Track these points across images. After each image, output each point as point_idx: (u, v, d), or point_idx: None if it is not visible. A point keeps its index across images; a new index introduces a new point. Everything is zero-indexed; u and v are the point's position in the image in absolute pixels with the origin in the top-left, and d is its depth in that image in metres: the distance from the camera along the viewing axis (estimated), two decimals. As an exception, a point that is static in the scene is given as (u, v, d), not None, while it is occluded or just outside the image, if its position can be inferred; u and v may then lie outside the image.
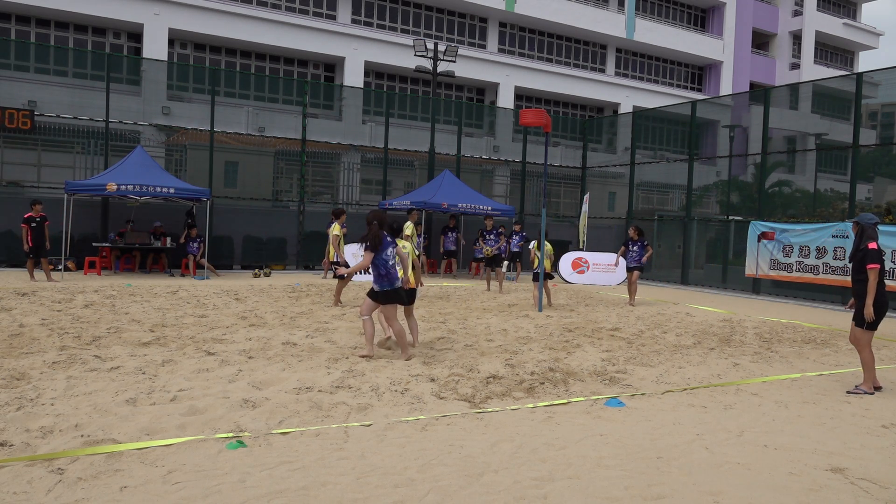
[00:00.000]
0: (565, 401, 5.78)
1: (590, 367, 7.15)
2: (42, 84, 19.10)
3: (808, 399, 6.27)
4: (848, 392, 6.53)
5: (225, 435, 4.51)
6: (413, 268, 7.82)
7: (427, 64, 24.91)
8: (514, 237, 18.97)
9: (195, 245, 16.67)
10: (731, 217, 18.99)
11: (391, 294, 7.12)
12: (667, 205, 25.55)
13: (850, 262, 6.78)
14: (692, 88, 37.03)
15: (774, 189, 21.32)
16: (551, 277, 12.69)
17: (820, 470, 4.34)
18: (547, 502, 3.67)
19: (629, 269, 13.79)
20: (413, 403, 5.48)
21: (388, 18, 29.05)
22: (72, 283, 13.70)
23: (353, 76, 27.15)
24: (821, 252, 15.05)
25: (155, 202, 17.39)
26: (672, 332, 9.96)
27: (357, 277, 16.16)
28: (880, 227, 14.06)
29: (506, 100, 30.43)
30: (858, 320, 6.49)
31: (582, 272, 19.35)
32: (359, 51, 27.37)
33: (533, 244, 12.66)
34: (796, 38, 41.12)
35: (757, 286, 17.18)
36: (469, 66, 29.06)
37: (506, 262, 19.13)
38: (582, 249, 20.74)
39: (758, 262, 16.49)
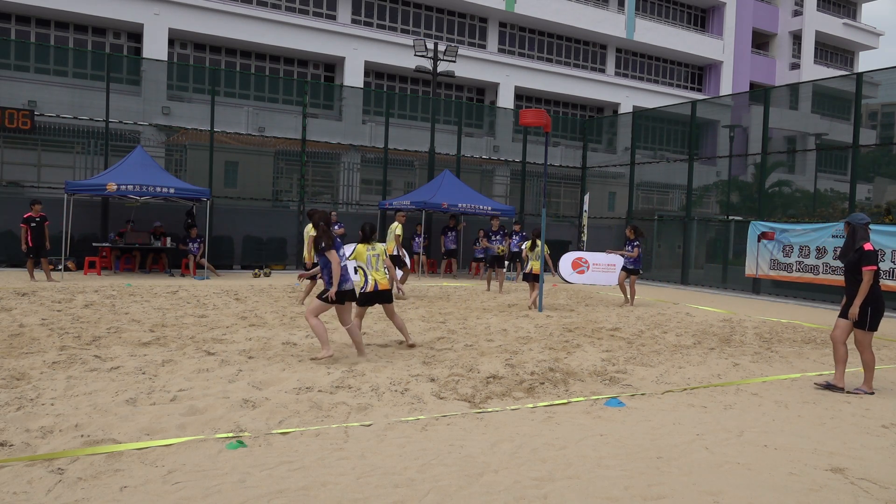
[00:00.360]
0: (565, 401, 5.78)
1: (590, 367, 7.15)
2: (42, 84, 19.10)
3: (808, 399, 6.27)
4: (848, 392, 6.52)
5: (225, 435, 4.50)
6: (400, 266, 7.85)
7: (427, 64, 24.91)
8: (514, 237, 18.96)
9: (195, 245, 16.67)
10: (731, 217, 18.99)
11: (342, 294, 6.93)
12: (667, 205, 25.54)
13: (840, 262, 6.72)
14: (692, 88, 37.02)
15: (774, 189, 21.32)
16: (537, 279, 12.40)
17: (820, 470, 4.34)
18: (547, 502, 3.67)
19: (623, 270, 13.74)
20: (413, 403, 5.48)
21: (388, 18, 29.05)
22: (72, 283, 13.70)
23: (353, 76, 27.15)
24: (821, 252, 15.05)
25: (155, 202, 17.39)
26: (672, 332, 9.96)
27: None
28: (881, 228, 14.08)
29: (506, 100, 30.43)
30: (860, 322, 6.44)
31: (582, 272, 19.35)
32: (359, 51, 27.37)
33: (525, 245, 12.58)
34: (796, 38, 41.12)
35: (757, 286, 17.18)
36: (469, 66, 29.06)
37: (506, 262, 19.16)
38: (582, 249, 20.72)
39: (758, 262, 16.49)
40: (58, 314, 9.34)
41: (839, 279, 14.54)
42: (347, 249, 7.43)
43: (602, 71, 34.16)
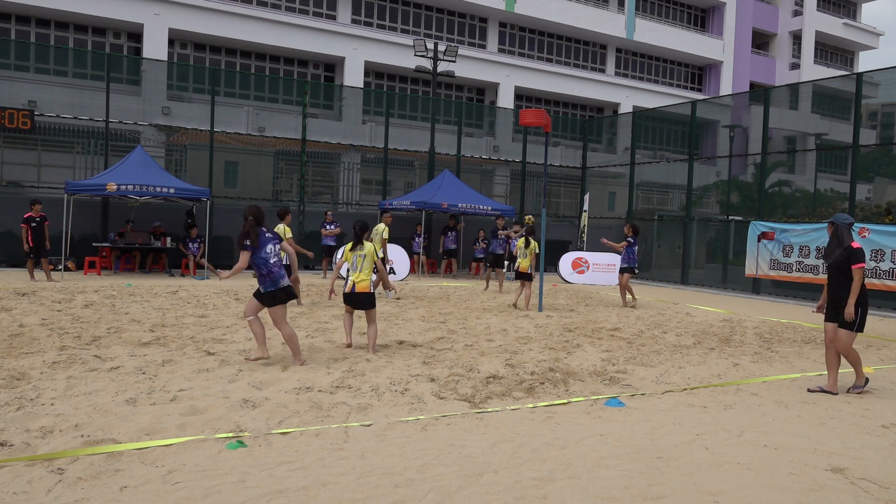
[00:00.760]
0: (565, 401, 5.78)
1: (590, 367, 7.15)
2: (42, 84, 19.10)
3: (808, 399, 6.27)
4: (848, 391, 6.52)
5: (225, 435, 4.50)
6: (376, 270, 7.72)
7: (427, 64, 24.91)
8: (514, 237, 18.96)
9: (195, 245, 16.67)
10: (731, 217, 18.99)
11: (275, 295, 6.56)
12: (667, 205, 25.55)
13: (825, 262, 6.59)
14: (692, 88, 37.03)
15: (774, 189, 21.32)
16: (528, 278, 12.22)
17: (820, 470, 4.34)
18: (547, 502, 3.67)
19: (619, 270, 13.64)
20: (413, 403, 5.48)
21: (388, 18, 29.05)
22: (72, 283, 13.70)
23: (353, 76, 27.15)
24: (821, 252, 15.05)
25: (155, 202, 17.39)
26: (672, 332, 9.96)
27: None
28: (881, 228, 14.08)
29: (506, 100, 30.43)
30: (845, 323, 6.31)
31: (582, 272, 19.35)
32: (359, 51, 27.37)
33: (519, 241, 12.42)
34: (796, 38, 41.13)
35: (757, 286, 17.18)
36: (469, 66, 29.06)
37: (507, 262, 19.15)
38: (582, 249, 20.73)
39: (758, 262, 16.49)
40: (58, 314, 9.34)
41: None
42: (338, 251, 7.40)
43: (602, 71, 34.16)
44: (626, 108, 32.75)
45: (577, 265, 19.44)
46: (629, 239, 13.19)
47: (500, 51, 31.33)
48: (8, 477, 3.70)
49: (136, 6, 23.63)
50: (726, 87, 36.48)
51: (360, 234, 7.54)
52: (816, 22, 40.79)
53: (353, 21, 28.14)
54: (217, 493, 3.60)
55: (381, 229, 13.03)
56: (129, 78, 20.54)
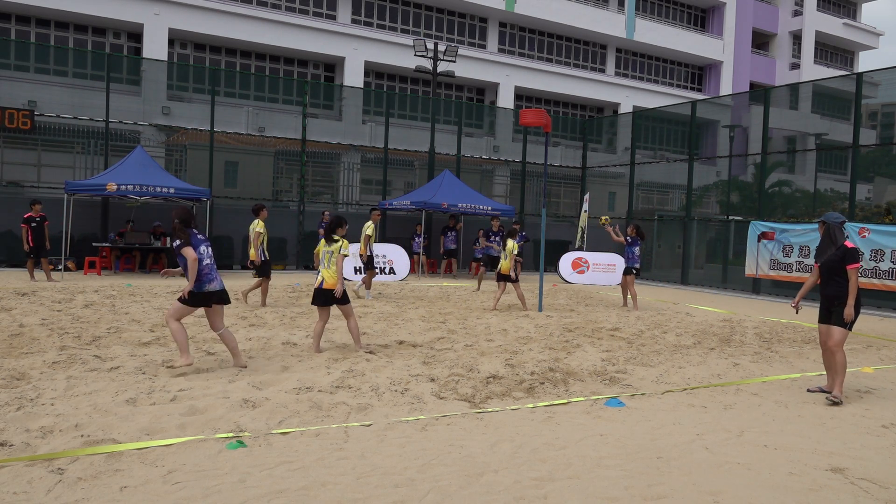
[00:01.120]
0: (565, 401, 5.78)
1: (590, 367, 7.15)
2: (42, 84, 19.10)
3: (808, 399, 6.26)
4: (827, 398, 6.16)
5: (225, 435, 4.50)
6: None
7: (427, 64, 24.91)
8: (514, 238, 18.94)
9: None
10: (731, 217, 18.99)
11: (202, 297, 6.30)
12: (667, 205, 25.55)
13: (816, 261, 6.44)
14: (692, 88, 37.03)
15: (774, 189, 21.33)
16: (509, 279, 11.98)
17: (820, 470, 4.34)
18: (547, 502, 3.67)
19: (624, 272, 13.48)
20: (413, 403, 5.48)
21: (388, 18, 29.05)
22: (72, 283, 13.70)
23: (353, 76, 27.15)
24: (821, 252, 15.04)
25: (155, 202, 17.40)
26: (672, 332, 9.96)
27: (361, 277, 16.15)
28: (881, 228, 14.08)
29: (506, 100, 30.43)
30: (840, 321, 6.18)
31: (582, 272, 19.35)
32: (359, 51, 27.37)
33: (506, 241, 12.10)
34: (796, 38, 41.13)
35: (757, 286, 17.18)
36: (469, 66, 29.06)
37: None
38: (581, 249, 20.73)
39: (758, 262, 16.49)
40: (58, 314, 9.34)
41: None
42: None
43: (602, 71, 34.16)
44: (626, 108, 32.76)
45: (577, 265, 19.43)
46: (628, 238, 13.08)
47: (500, 51, 31.33)
48: (8, 477, 3.70)
49: (136, 6, 23.63)
50: (726, 87, 36.49)
51: (329, 229, 7.39)
52: (816, 22, 40.79)
53: (353, 21, 28.14)
54: (217, 493, 3.60)
55: (366, 227, 12.77)
56: (129, 78, 20.54)
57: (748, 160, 20.51)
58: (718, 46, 36.38)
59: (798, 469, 4.34)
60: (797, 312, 6.93)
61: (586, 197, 21.76)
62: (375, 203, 20.97)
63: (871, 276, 13.95)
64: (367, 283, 13.07)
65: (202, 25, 24.71)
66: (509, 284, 12.76)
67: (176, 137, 19.55)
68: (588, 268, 19.40)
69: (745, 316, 12.60)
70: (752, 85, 37.84)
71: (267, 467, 3.99)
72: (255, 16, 25.46)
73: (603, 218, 13.84)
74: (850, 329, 6.24)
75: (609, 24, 33.06)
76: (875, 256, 13.98)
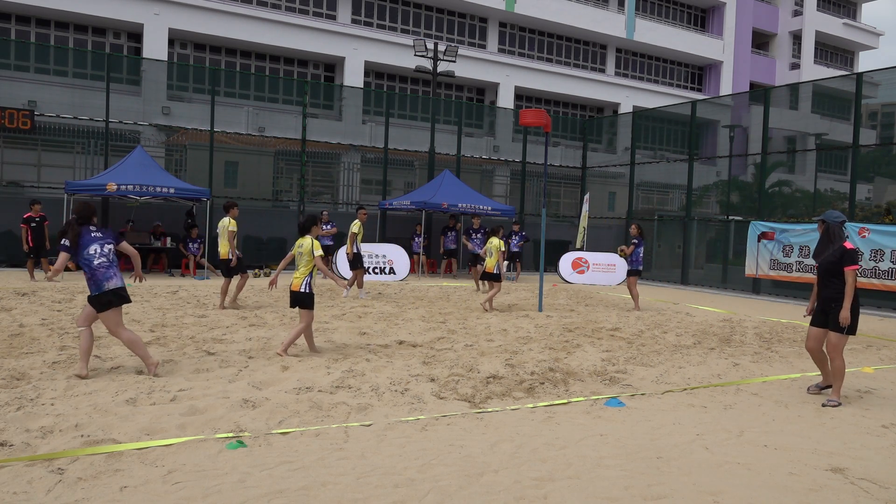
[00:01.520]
0: (565, 401, 5.78)
1: (590, 367, 7.14)
2: (42, 84, 19.10)
3: (808, 399, 6.26)
4: (823, 405, 6.05)
5: (225, 435, 4.50)
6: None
7: (427, 64, 24.91)
8: (513, 237, 18.97)
9: (195, 245, 16.67)
10: (731, 217, 18.99)
11: (100, 299, 5.95)
12: (667, 205, 25.55)
13: (815, 261, 6.26)
14: (692, 88, 37.03)
15: (774, 189, 21.32)
16: (496, 278, 11.83)
17: (820, 470, 4.34)
18: (547, 502, 3.67)
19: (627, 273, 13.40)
20: (413, 403, 5.48)
21: (388, 18, 29.05)
22: (72, 283, 13.70)
23: (353, 76, 27.15)
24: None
25: (155, 202, 17.39)
26: (672, 332, 9.96)
27: (370, 277, 16.13)
28: (881, 228, 14.08)
29: (506, 100, 30.43)
30: (836, 325, 6.02)
31: (582, 272, 19.35)
32: (359, 51, 27.37)
33: (492, 241, 11.83)
34: (796, 38, 41.13)
35: (757, 286, 17.18)
36: (469, 66, 29.06)
37: (506, 263, 19.14)
38: (582, 249, 20.73)
39: (758, 262, 16.49)
40: (58, 314, 9.35)
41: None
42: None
43: (602, 71, 34.16)
44: (626, 108, 32.76)
45: (577, 265, 19.43)
46: (635, 241, 12.90)
47: (500, 51, 31.33)
48: (8, 477, 3.70)
49: (136, 6, 23.63)
50: (726, 87, 36.48)
51: (301, 228, 7.31)
52: (816, 22, 40.79)
53: (353, 21, 28.14)
54: (217, 493, 3.60)
55: (353, 225, 12.68)
56: (129, 78, 20.53)
57: (748, 160, 20.51)
58: (718, 46, 36.39)
59: (798, 469, 4.34)
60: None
61: (586, 197, 21.76)
62: (376, 203, 20.97)
63: (872, 276, 13.95)
64: (360, 283, 12.97)
65: (202, 25, 24.71)
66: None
67: (176, 137, 19.55)
68: (588, 268, 19.40)
69: (745, 316, 12.60)
70: (752, 85, 37.84)
71: (267, 467, 3.99)
72: (255, 16, 25.46)
73: (620, 250, 13.57)
74: (851, 334, 6.01)
75: (609, 24, 33.06)
76: (875, 256, 13.98)
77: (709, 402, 6.01)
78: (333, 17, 27.83)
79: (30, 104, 17.62)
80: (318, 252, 7.26)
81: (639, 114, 22.66)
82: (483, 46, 30.95)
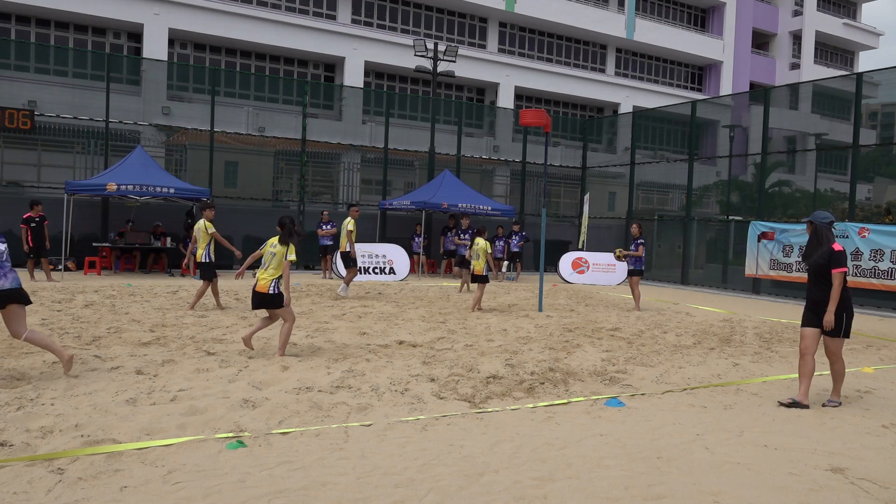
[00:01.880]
0: (565, 401, 5.78)
1: (590, 367, 7.14)
2: (42, 84, 19.10)
3: (808, 399, 6.25)
4: (823, 405, 6.03)
5: (225, 435, 4.50)
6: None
7: (427, 64, 24.91)
8: (513, 237, 18.98)
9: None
10: (731, 217, 19.00)
11: (4, 298, 5.63)
12: (667, 205, 25.54)
13: (804, 263, 6.13)
14: (692, 88, 37.02)
15: (774, 189, 21.32)
16: (485, 280, 11.71)
17: (820, 470, 4.34)
18: (547, 502, 3.67)
19: (628, 273, 13.36)
20: (413, 403, 5.48)
21: (388, 18, 29.05)
22: (72, 283, 13.70)
23: (353, 76, 27.15)
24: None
25: (155, 202, 17.39)
26: (672, 332, 9.96)
27: (362, 277, 16.16)
28: (881, 228, 14.07)
29: (506, 100, 30.43)
30: (834, 330, 5.88)
31: (582, 272, 19.35)
32: (359, 51, 27.37)
33: (478, 242, 11.60)
34: (796, 38, 41.13)
35: (757, 286, 17.18)
36: (469, 66, 29.06)
37: (506, 263, 19.16)
38: (582, 249, 20.73)
39: (758, 262, 16.49)
40: (58, 314, 9.35)
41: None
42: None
43: (602, 71, 34.16)
44: (626, 108, 32.75)
45: (577, 265, 19.44)
46: (641, 241, 12.80)
47: (500, 51, 31.33)
48: (8, 477, 3.70)
49: (136, 6, 23.63)
50: (726, 87, 36.48)
51: (283, 233, 7.20)
52: (816, 22, 40.79)
53: (353, 21, 28.14)
54: (217, 493, 3.60)
55: (346, 223, 12.55)
56: (129, 78, 20.54)
57: (748, 160, 20.51)
58: (718, 46, 36.39)
59: (798, 469, 4.34)
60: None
61: (586, 197, 21.76)
62: (376, 203, 20.97)
63: (871, 276, 13.95)
64: (348, 279, 12.88)
65: (202, 25, 24.71)
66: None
67: (176, 137, 19.55)
68: (588, 268, 19.40)
69: (745, 316, 12.60)
70: (752, 85, 37.84)
71: (267, 467, 3.99)
72: (255, 16, 25.46)
73: (617, 251, 13.49)
74: (845, 336, 5.95)
75: (609, 24, 33.06)
76: (875, 256, 13.97)
77: (709, 402, 6.01)
78: (333, 17, 27.83)
79: (30, 104, 17.62)
80: (292, 257, 7.16)
81: (639, 114, 22.67)
82: (483, 46, 30.95)
